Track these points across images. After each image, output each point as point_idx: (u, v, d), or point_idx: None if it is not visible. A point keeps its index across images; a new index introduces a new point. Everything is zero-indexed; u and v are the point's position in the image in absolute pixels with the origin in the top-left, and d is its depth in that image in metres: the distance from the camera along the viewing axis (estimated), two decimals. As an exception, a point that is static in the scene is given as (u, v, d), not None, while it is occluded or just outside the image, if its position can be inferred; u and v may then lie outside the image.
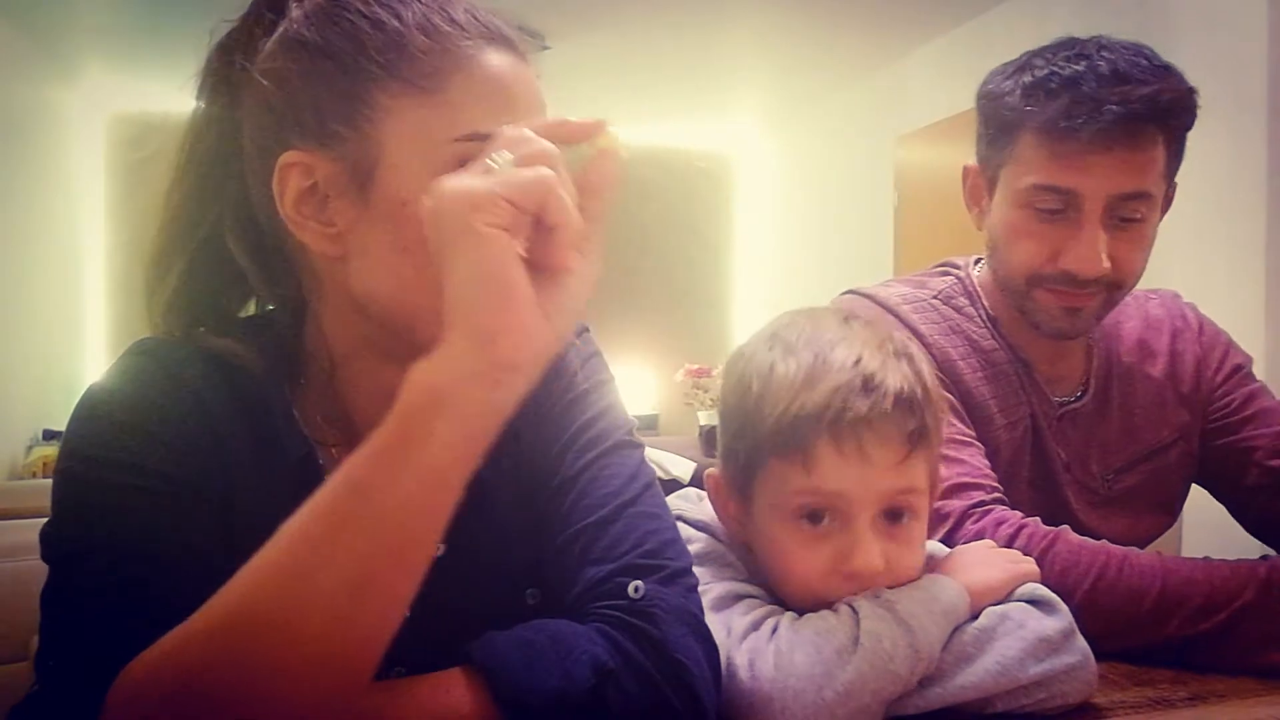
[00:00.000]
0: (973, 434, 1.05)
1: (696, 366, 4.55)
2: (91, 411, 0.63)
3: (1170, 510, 1.19)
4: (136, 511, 0.59)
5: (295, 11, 0.65)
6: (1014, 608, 0.74)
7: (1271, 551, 1.10)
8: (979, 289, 1.14)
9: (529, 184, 0.51)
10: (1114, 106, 0.95)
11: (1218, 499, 1.18)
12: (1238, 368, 1.17)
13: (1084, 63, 0.98)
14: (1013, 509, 0.97)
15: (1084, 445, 1.13)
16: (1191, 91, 1.00)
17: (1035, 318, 1.06)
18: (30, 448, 4.01)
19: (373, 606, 0.51)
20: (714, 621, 0.70)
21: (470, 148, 0.62)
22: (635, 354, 5.27)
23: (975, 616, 0.73)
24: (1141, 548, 1.12)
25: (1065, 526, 0.95)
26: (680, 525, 0.75)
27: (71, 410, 0.64)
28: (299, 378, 0.70)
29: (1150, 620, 0.86)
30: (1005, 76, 1.05)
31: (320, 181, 0.64)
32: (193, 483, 0.61)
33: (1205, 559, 0.90)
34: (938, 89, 3.86)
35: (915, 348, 0.78)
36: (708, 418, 3.92)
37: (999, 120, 1.05)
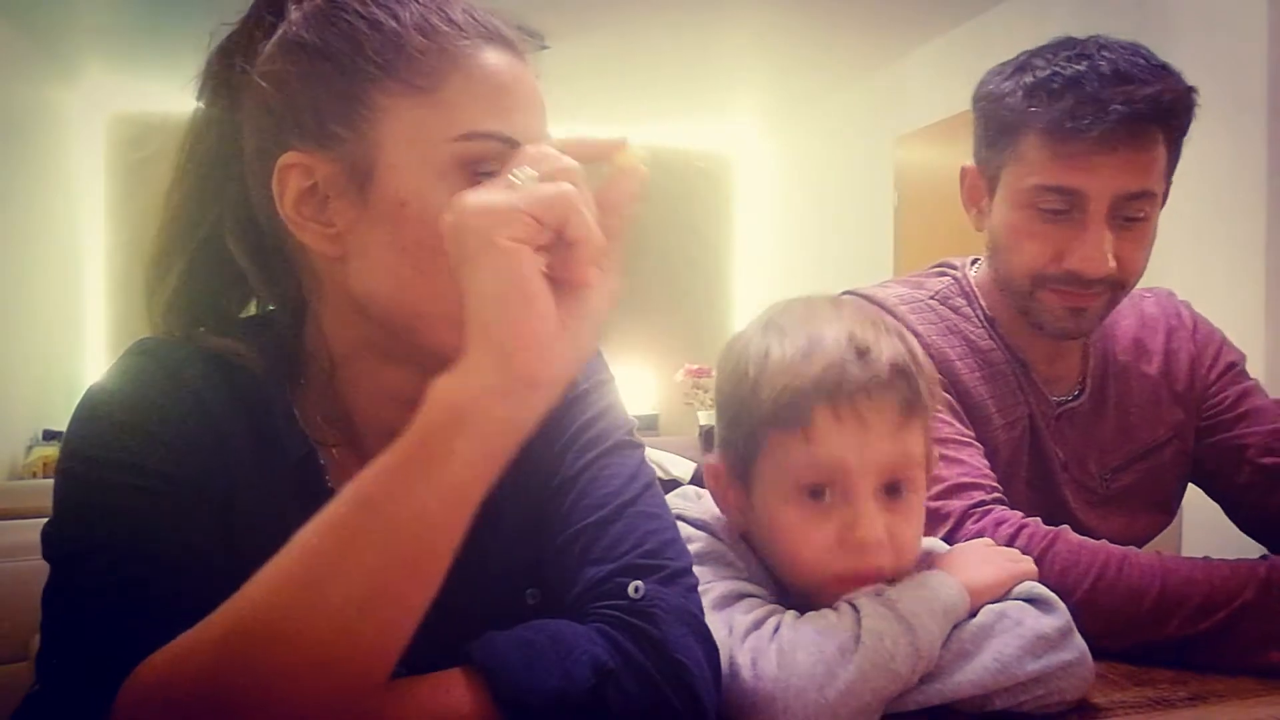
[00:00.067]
0: (971, 434, 1.05)
1: (696, 366, 4.56)
2: (92, 411, 0.63)
3: (1167, 509, 1.19)
4: (137, 511, 0.59)
5: (294, 14, 0.65)
6: (1012, 606, 0.74)
7: (1267, 551, 1.10)
8: (976, 289, 1.14)
9: (551, 199, 0.51)
10: (1119, 106, 0.95)
11: (1211, 497, 1.18)
12: (1231, 365, 1.17)
13: (1085, 63, 0.98)
14: (1012, 509, 0.97)
15: (1081, 445, 1.13)
16: (1191, 91, 1.01)
17: (1039, 318, 1.06)
18: (30, 448, 4.01)
19: (384, 620, 0.52)
20: (715, 620, 0.70)
21: (469, 147, 0.63)
22: (635, 354, 5.28)
23: (974, 614, 0.74)
24: (1139, 547, 1.12)
25: (1065, 526, 0.95)
26: (680, 524, 0.75)
27: (72, 410, 0.64)
28: (299, 378, 0.71)
29: (1150, 619, 0.86)
30: (1004, 77, 1.05)
31: (320, 182, 0.64)
32: (193, 482, 0.61)
33: (1205, 559, 0.90)
34: (937, 89, 3.86)
35: (906, 331, 0.79)
36: (708, 418, 3.92)
37: (1000, 121, 1.05)
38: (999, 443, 1.08)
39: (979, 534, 0.93)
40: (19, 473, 3.91)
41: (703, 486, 0.88)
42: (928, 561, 0.82)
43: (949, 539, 0.93)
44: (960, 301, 1.13)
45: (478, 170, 0.63)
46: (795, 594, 0.79)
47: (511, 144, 0.64)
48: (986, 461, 1.03)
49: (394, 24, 0.64)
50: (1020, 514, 0.96)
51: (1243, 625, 0.84)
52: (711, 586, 0.74)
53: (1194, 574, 0.87)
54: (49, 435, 4.08)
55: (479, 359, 0.51)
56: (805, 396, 0.72)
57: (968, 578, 0.75)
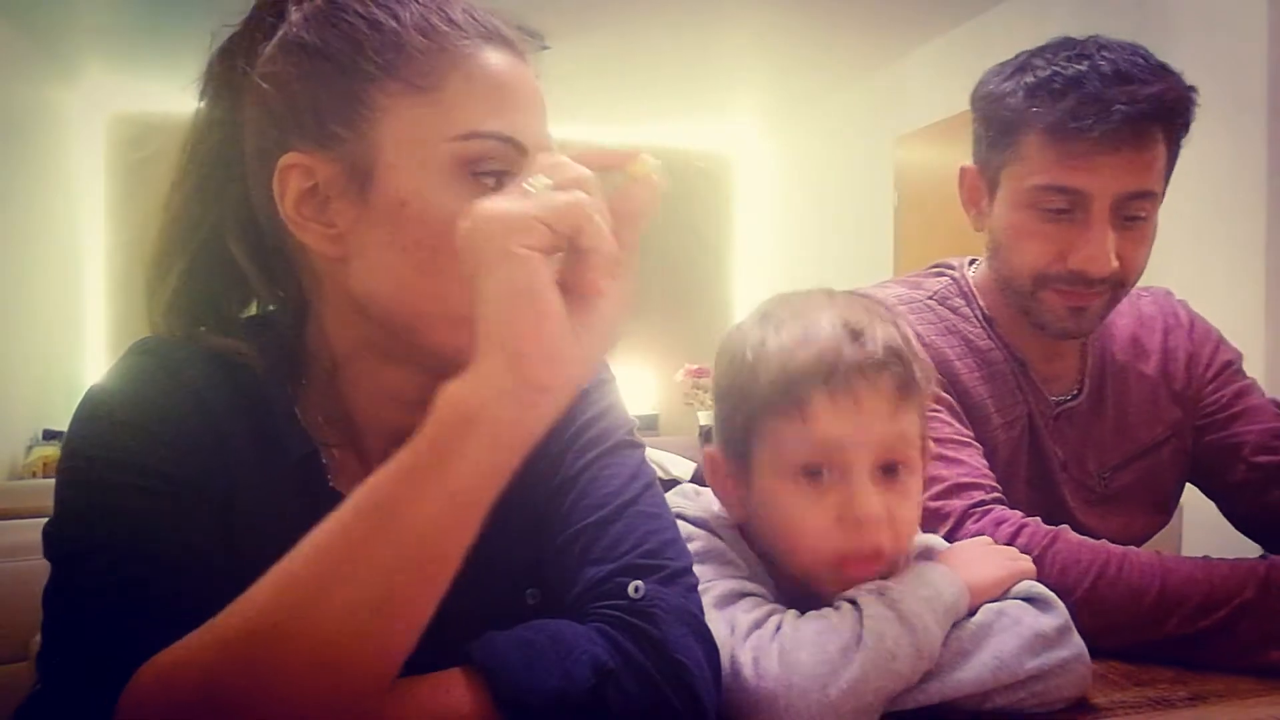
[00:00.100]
0: (970, 434, 1.05)
1: (696, 366, 4.56)
2: (93, 411, 0.63)
3: (1165, 508, 1.19)
4: (138, 511, 0.59)
5: (295, 15, 0.65)
6: (1010, 605, 0.75)
7: (1264, 551, 1.10)
8: (974, 289, 1.15)
9: (565, 208, 0.51)
10: (1123, 106, 0.95)
11: (1206, 494, 1.18)
12: (1227, 364, 1.17)
13: (1086, 62, 0.99)
14: (1012, 509, 0.98)
15: (1080, 444, 1.13)
16: (1192, 90, 1.01)
17: (1041, 318, 1.06)
18: (30, 448, 4.01)
19: (393, 624, 0.52)
20: (717, 619, 0.70)
21: (469, 147, 0.63)
22: (635, 354, 5.28)
23: (972, 613, 0.74)
24: (1138, 546, 1.13)
25: (1065, 526, 0.95)
26: (679, 523, 0.76)
27: (72, 410, 0.64)
28: (300, 378, 0.71)
29: (1150, 617, 0.86)
30: (1004, 78, 1.05)
31: (321, 183, 0.64)
32: (194, 482, 0.61)
33: (1204, 558, 0.90)
34: (937, 89, 3.86)
35: (900, 319, 0.80)
36: (708, 418, 3.92)
37: (1000, 121, 1.05)
38: (998, 442, 1.08)
39: (979, 534, 0.93)
40: (19, 473, 3.91)
41: (703, 485, 0.88)
42: (927, 557, 0.82)
43: (949, 539, 0.93)
44: (959, 301, 1.13)
45: (478, 170, 0.63)
46: (795, 586, 0.79)
47: (512, 144, 0.64)
48: (986, 461, 1.03)
49: (394, 24, 0.64)
50: (1020, 514, 0.96)
51: (1242, 624, 0.84)
52: (712, 585, 0.74)
53: (1194, 573, 0.87)
54: (49, 435, 4.08)
55: (490, 364, 0.51)
56: (801, 379, 0.74)
57: (967, 576, 0.76)
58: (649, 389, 5.49)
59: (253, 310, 0.74)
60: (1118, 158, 0.98)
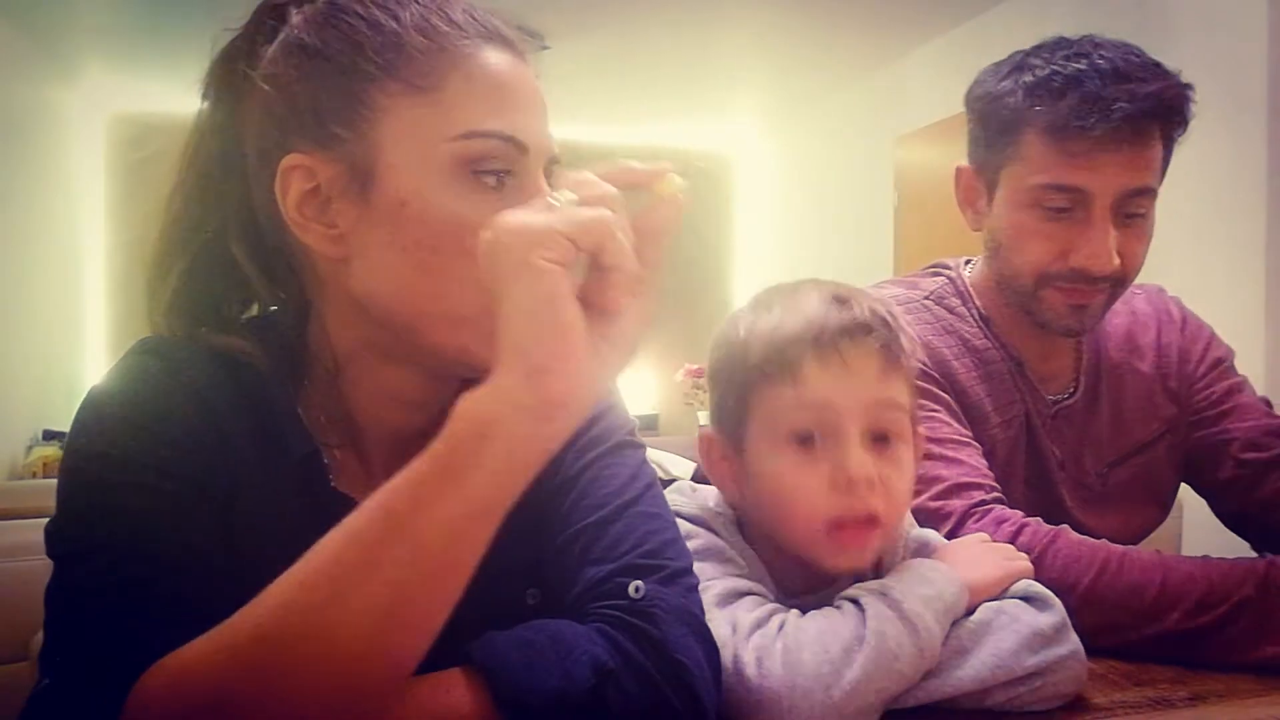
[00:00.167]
0: (969, 434, 1.05)
1: (696, 366, 4.56)
2: (95, 409, 0.63)
3: (1162, 505, 1.19)
4: (139, 509, 0.59)
5: (295, 18, 0.66)
6: (1009, 604, 0.76)
7: (1250, 545, 1.11)
8: (971, 289, 1.15)
9: (589, 223, 0.51)
10: (1124, 104, 0.96)
11: (1197, 491, 1.19)
12: (1218, 361, 1.18)
13: (1084, 61, 0.99)
14: (1011, 508, 0.98)
15: (1077, 442, 1.14)
16: (1188, 88, 1.01)
17: (1043, 317, 1.07)
18: (30, 448, 4.01)
19: (404, 632, 0.52)
20: (718, 618, 0.70)
21: (469, 146, 0.63)
22: (635, 354, 5.26)
23: (971, 611, 0.74)
24: (1136, 543, 1.13)
25: (1065, 525, 0.95)
26: (677, 521, 0.76)
27: (72, 410, 0.64)
28: (302, 378, 0.71)
29: (1150, 613, 0.86)
30: (1001, 77, 1.05)
31: (322, 184, 0.64)
32: (196, 480, 0.61)
33: (1205, 557, 0.90)
34: (937, 89, 3.86)
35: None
36: (707, 418, 3.92)
37: (999, 121, 1.05)
38: (996, 442, 1.08)
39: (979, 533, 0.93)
40: (19, 473, 3.91)
41: (703, 484, 0.88)
42: (923, 553, 0.83)
43: (950, 538, 0.93)
44: (955, 301, 1.13)
45: (479, 169, 0.63)
46: (793, 577, 0.80)
47: (512, 143, 0.64)
48: (985, 461, 1.03)
49: (394, 25, 0.64)
50: (1021, 513, 0.96)
51: (1241, 621, 0.84)
52: (712, 584, 0.74)
53: (1194, 571, 0.87)
54: (49, 435, 4.08)
55: (509, 376, 0.51)
56: (791, 346, 0.76)
57: (966, 575, 0.76)
58: (649, 389, 5.49)
59: (253, 312, 0.75)
60: (1119, 155, 0.98)
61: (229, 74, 0.68)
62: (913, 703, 0.70)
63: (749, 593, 0.75)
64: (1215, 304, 1.33)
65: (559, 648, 0.59)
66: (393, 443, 0.72)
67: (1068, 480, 1.12)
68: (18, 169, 3.97)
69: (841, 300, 0.78)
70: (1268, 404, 1.16)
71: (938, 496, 0.97)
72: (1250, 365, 1.21)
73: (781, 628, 0.70)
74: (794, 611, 0.73)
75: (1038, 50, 1.04)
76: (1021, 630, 0.73)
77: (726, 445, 0.82)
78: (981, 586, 0.76)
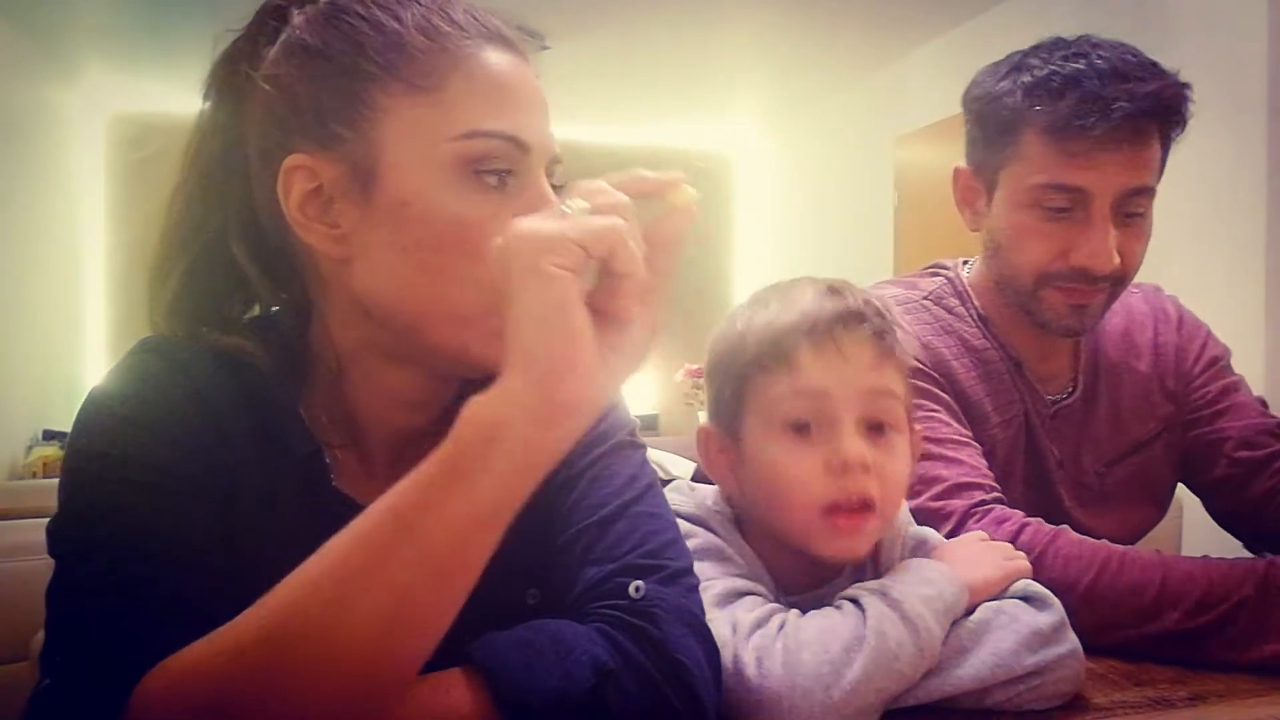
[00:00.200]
0: (969, 434, 1.05)
1: (696, 366, 4.56)
2: (97, 408, 0.63)
3: (1159, 504, 1.20)
4: (140, 508, 0.59)
5: (297, 18, 0.66)
6: (1008, 603, 0.76)
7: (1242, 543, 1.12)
8: (969, 289, 1.15)
9: (601, 231, 0.51)
10: (1124, 104, 0.96)
11: (1191, 490, 1.19)
12: (1214, 360, 1.18)
13: (1083, 61, 0.99)
14: (1011, 508, 0.98)
15: (1076, 442, 1.14)
16: (1186, 87, 1.02)
17: (1043, 317, 1.07)
18: (30, 448, 4.01)
19: (409, 635, 0.52)
20: (718, 618, 0.70)
21: (470, 146, 0.63)
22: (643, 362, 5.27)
23: (970, 611, 0.75)
24: (1134, 541, 1.14)
25: (1065, 526, 0.95)
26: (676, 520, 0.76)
27: (71, 410, 0.64)
28: (303, 378, 0.71)
29: (1151, 612, 0.86)
30: (999, 78, 1.05)
31: (324, 184, 0.64)
32: (197, 479, 0.61)
33: (1205, 557, 0.90)
34: (937, 89, 3.86)
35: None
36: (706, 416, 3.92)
37: (998, 121, 1.05)
38: (995, 441, 1.08)
39: (979, 533, 0.93)
40: (19, 473, 3.91)
41: (703, 484, 0.88)
42: (921, 551, 0.83)
43: (950, 539, 0.93)
44: (954, 301, 1.13)
45: (480, 169, 0.63)
46: (790, 572, 0.81)
47: (514, 142, 0.64)
48: (985, 461, 1.03)
49: (396, 25, 0.64)
50: (1021, 513, 0.96)
51: (1241, 620, 0.84)
52: (712, 584, 0.74)
53: (1194, 570, 0.87)
54: (49, 435, 4.08)
55: (517, 381, 0.51)
56: (786, 336, 0.78)
57: (966, 575, 0.76)
58: (649, 389, 5.50)
59: (255, 312, 0.75)
60: (1119, 155, 0.98)
61: (231, 75, 0.68)
62: (913, 702, 0.71)
63: (748, 592, 0.75)
64: (1215, 304, 1.33)
65: (559, 648, 0.59)
66: (394, 442, 0.72)
67: (1066, 480, 1.12)
68: (18, 169, 3.96)
69: (835, 291, 0.80)
70: (1263, 404, 1.16)
71: (938, 496, 0.97)
72: (1250, 365, 1.21)
73: (781, 627, 0.70)
74: (794, 611, 0.73)
75: (1035, 51, 1.04)
76: (1020, 629, 0.73)
77: (724, 439, 0.83)
78: (981, 586, 0.76)
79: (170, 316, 0.69)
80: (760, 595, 0.76)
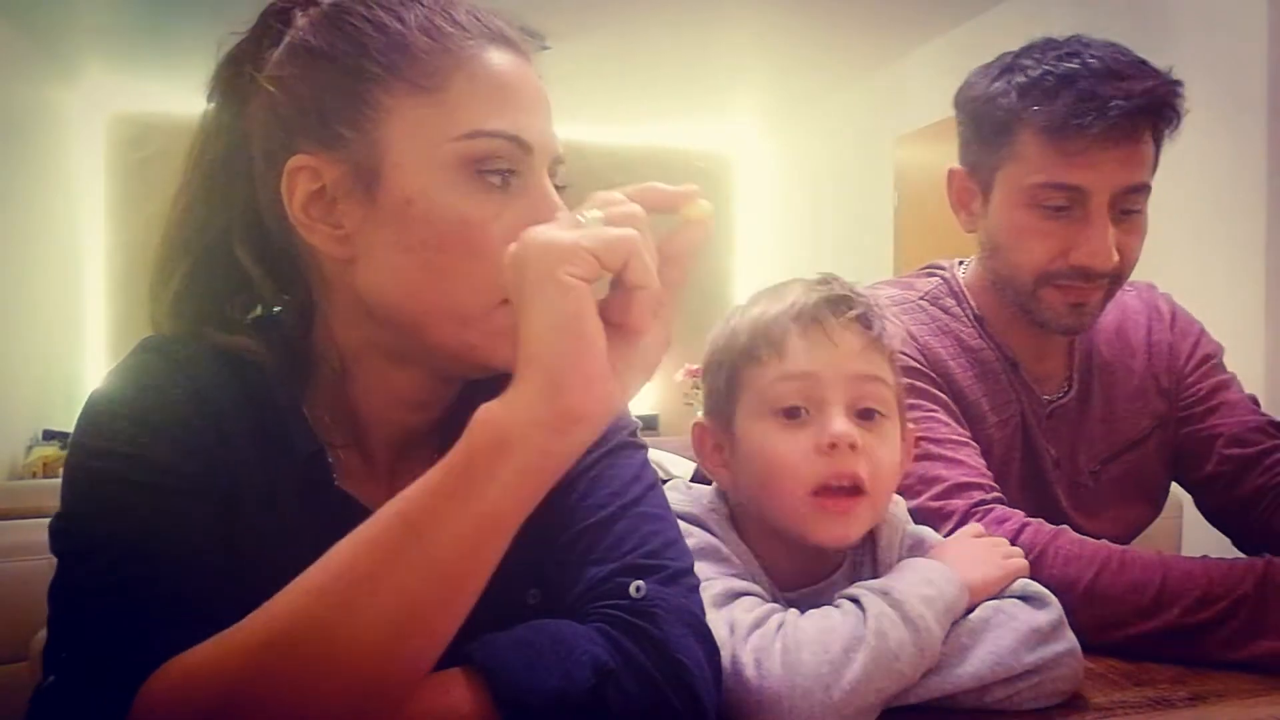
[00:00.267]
0: (968, 434, 1.05)
1: (696, 366, 4.55)
2: (99, 407, 0.63)
3: (1154, 502, 1.20)
4: (142, 507, 0.59)
5: (301, 20, 0.66)
6: (1006, 602, 0.76)
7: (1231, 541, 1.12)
8: (965, 289, 1.15)
9: (615, 242, 0.52)
10: (1120, 102, 0.96)
11: (1183, 487, 1.19)
12: (1207, 357, 1.18)
13: (1076, 60, 1.00)
14: (1010, 507, 0.98)
15: (1071, 441, 1.14)
16: (1180, 84, 1.02)
17: (1042, 316, 1.07)
18: (30, 448, 4.01)
19: (415, 641, 0.52)
20: (716, 619, 0.70)
21: (473, 146, 0.63)
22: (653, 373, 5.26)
23: (969, 610, 0.75)
24: (1128, 540, 1.14)
25: (1065, 526, 0.96)
26: None
27: (71, 410, 0.64)
28: (306, 377, 0.71)
29: (1151, 610, 0.86)
30: (992, 78, 1.06)
31: (328, 184, 0.64)
32: (199, 478, 0.61)
33: (1204, 557, 0.90)
34: (937, 89, 3.84)
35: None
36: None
37: (992, 122, 1.05)
38: (992, 441, 1.08)
39: (979, 533, 0.93)
40: (19, 473, 3.91)
41: (701, 484, 0.89)
42: (920, 551, 0.84)
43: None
44: (950, 302, 1.14)
45: (483, 169, 0.63)
46: (786, 568, 0.81)
47: (516, 142, 0.64)
48: (984, 461, 1.04)
49: (399, 26, 0.64)
50: (1021, 513, 0.96)
51: (1240, 616, 0.84)
52: (710, 584, 0.74)
53: (1194, 569, 0.88)
54: (49, 435, 4.08)
55: (527, 389, 0.51)
56: (777, 324, 0.80)
57: (966, 575, 0.76)
58: (649, 389, 5.49)
59: (257, 313, 0.75)
60: (1115, 153, 0.99)
61: (234, 76, 0.68)
62: (913, 700, 0.71)
63: (746, 593, 0.75)
64: (1215, 304, 1.33)
65: (559, 648, 0.59)
66: (396, 442, 0.72)
67: (1062, 479, 1.13)
68: (18, 169, 3.97)
69: (823, 281, 0.82)
70: (1255, 401, 1.17)
71: (938, 496, 0.97)
72: (1250, 365, 1.21)
73: (780, 627, 0.70)
74: (792, 611, 0.73)
75: (1027, 51, 1.05)
76: (1019, 628, 0.73)
77: (718, 432, 0.84)
78: (980, 586, 0.76)
79: (172, 316, 0.69)
80: (757, 595, 0.76)
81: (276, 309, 0.73)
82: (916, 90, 4.12)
